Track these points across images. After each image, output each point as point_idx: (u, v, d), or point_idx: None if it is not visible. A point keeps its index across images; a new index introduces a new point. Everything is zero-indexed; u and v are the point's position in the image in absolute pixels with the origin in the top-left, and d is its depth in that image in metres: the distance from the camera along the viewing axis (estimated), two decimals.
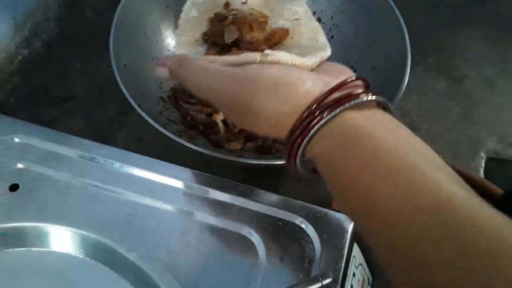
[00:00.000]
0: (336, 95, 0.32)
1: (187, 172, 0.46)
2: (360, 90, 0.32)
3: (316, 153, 0.32)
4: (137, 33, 0.59)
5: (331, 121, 0.31)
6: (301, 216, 0.43)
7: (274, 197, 0.44)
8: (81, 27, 0.67)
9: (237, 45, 0.39)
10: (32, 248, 0.40)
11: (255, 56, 0.35)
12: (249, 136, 0.58)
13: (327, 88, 0.32)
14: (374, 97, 0.32)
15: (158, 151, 0.52)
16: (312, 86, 0.32)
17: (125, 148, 0.50)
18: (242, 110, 0.34)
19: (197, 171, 0.46)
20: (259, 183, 0.53)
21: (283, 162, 0.51)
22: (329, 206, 0.47)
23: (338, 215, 0.43)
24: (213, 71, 0.35)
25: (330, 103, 0.31)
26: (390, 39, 0.57)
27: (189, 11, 0.42)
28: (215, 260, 0.41)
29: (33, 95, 0.61)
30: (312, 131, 0.31)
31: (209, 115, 0.58)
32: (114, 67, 0.51)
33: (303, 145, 0.32)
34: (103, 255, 0.39)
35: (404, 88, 0.51)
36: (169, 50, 0.63)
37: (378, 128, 0.31)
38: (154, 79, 0.60)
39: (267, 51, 0.35)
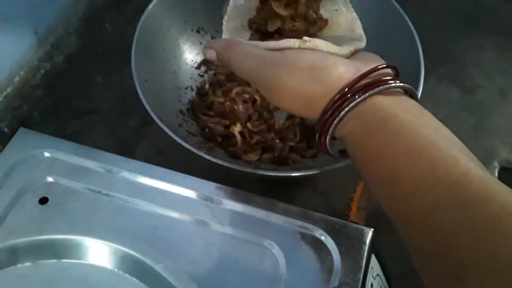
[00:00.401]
0: (366, 80, 0.35)
1: (209, 185, 0.47)
2: (389, 77, 0.36)
3: (345, 132, 0.36)
4: (156, 48, 0.61)
5: (360, 103, 0.35)
6: (320, 228, 0.44)
7: (293, 209, 0.46)
8: (101, 41, 0.69)
9: (279, 33, 0.42)
10: (62, 260, 0.41)
11: (295, 42, 0.37)
12: (265, 148, 0.60)
13: (359, 74, 0.35)
14: (401, 84, 0.35)
15: (178, 163, 0.53)
16: (345, 71, 0.35)
17: (146, 159, 0.51)
18: (279, 90, 0.37)
19: (219, 185, 0.47)
20: (276, 193, 0.55)
21: (299, 174, 0.53)
22: (346, 218, 0.48)
23: (356, 226, 0.44)
24: (255, 54, 0.38)
25: (360, 87, 0.35)
26: (403, 50, 0.58)
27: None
28: (238, 271, 0.43)
29: (56, 108, 0.63)
30: (343, 112, 0.35)
31: (227, 127, 0.60)
32: (136, 82, 0.53)
33: (333, 124, 0.36)
34: (131, 266, 0.40)
35: (418, 98, 0.52)
36: (187, 64, 0.64)
37: (403, 111, 0.34)
38: (174, 91, 0.62)
39: (305, 38, 0.37)
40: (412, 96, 0.37)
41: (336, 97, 0.35)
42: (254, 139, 0.60)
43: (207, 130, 0.60)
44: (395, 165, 0.33)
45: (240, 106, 0.60)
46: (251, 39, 0.42)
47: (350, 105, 0.35)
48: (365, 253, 0.43)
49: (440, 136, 0.33)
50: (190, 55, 0.65)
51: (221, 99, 0.61)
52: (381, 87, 0.35)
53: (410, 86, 0.36)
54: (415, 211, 0.31)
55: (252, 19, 0.44)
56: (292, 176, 0.54)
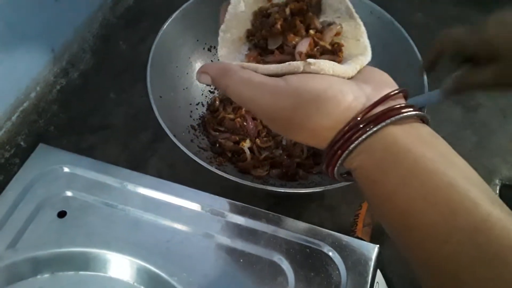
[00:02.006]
0: (378, 109, 0.32)
1: (220, 201, 0.49)
2: (401, 104, 0.33)
3: (355, 166, 0.33)
4: (170, 65, 0.63)
5: (371, 135, 0.32)
6: (328, 244, 0.46)
7: (302, 225, 0.47)
8: (115, 59, 0.71)
9: (280, 48, 0.38)
10: (80, 272, 0.43)
11: (298, 65, 0.34)
12: (274, 163, 0.61)
13: (369, 103, 0.33)
14: (414, 113, 0.33)
15: (188, 177, 0.55)
16: (354, 100, 0.33)
17: (157, 173, 0.53)
18: (284, 122, 0.35)
19: (230, 200, 0.49)
20: (283, 207, 0.56)
21: (307, 191, 0.54)
22: (352, 234, 0.50)
23: (362, 243, 0.46)
24: (255, 83, 0.35)
25: (371, 118, 0.32)
26: (407, 70, 0.60)
27: (237, 5, 0.40)
28: (248, 285, 0.44)
29: (71, 123, 0.65)
30: (353, 145, 0.32)
31: (237, 142, 0.62)
32: (152, 99, 0.55)
33: (342, 157, 0.33)
34: (146, 279, 0.42)
35: (430, 123, 0.54)
36: None
37: (417, 143, 0.32)
38: (186, 107, 0.64)
39: (309, 60, 0.34)
40: (424, 120, 0.34)
41: (345, 129, 0.33)
42: (263, 155, 0.61)
43: (217, 145, 0.62)
44: (410, 207, 0.31)
45: (250, 123, 0.62)
46: (248, 55, 0.39)
47: (360, 138, 0.32)
48: (371, 268, 0.44)
49: (456, 173, 0.30)
50: None
51: (232, 116, 0.63)
52: (393, 118, 0.32)
53: (423, 113, 0.34)
54: (433, 259, 0.30)
55: (251, 30, 0.40)
56: (300, 193, 0.55)
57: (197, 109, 0.65)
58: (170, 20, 0.61)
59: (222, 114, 0.64)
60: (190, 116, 0.64)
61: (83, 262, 0.43)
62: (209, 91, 0.67)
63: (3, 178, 0.57)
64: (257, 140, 0.62)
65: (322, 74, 0.34)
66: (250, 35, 0.40)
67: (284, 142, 0.63)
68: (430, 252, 0.30)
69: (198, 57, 0.67)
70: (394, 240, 0.33)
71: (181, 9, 0.62)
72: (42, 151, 0.51)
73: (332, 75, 0.35)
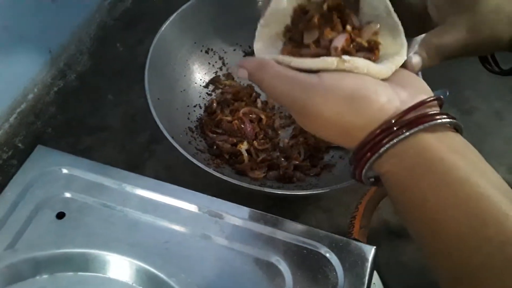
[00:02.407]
0: (411, 114, 0.32)
1: (218, 202, 0.49)
2: (435, 111, 0.32)
3: (385, 170, 0.33)
4: (167, 67, 0.63)
5: (403, 140, 0.32)
6: (325, 245, 0.46)
7: (299, 227, 0.48)
8: (112, 61, 0.72)
9: (317, 41, 0.38)
10: (79, 273, 0.43)
11: (333, 61, 0.34)
12: (271, 165, 0.62)
13: (404, 107, 0.32)
14: (449, 120, 0.32)
15: (186, 179, 0.56)
16: (387, 102, 0.33)
17: (155, 175, 0.53)
18: (314, 118, 0.34)
19: (228, 202, 0.49)
20: (280, 209, 0.57)
21: (304, 193, 0.55)
22: (349, 235, 0.50)
23: (359, 244, 0.46)
24: (288, 77, 0.35)
25: (404, 122, 0.32)
26: None
27: (279, 0, 0.39)
28: (246, 286, 0.45)
29: (69, 125, 0.65)
30: (383, 148, 0.32)
31: (234, 144, 0.62)
32: (149, 101, 0.55)
33: (372, 160, 0.33)
34: (145, 279, 0.42)
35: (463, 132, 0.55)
36: (196, 83, 0.67)
37: (450, 152, 0.31)
38: (183, 109, 0.64)
39: (344, 57, 0.34)
40: (457, 129, 0.34)
41: (377, 131, 0.32)
42: (260, 157, 0.62)
43: (215, 147, 0.62)
44: (440, 216, 0.31)
45: (248, 125, 0.62)
46: (283, 49, 0.39)
47: (392, 142, 0.32)
48: (368, 270, 0.45)
49: (488, 183, 0.30)
50: (199, 75, 0.67)
51: (229, 118, 0.63)
52: (426, 124, 0.31)
53: (457, 121, 0.33)
54: (461, 268, 0.30)
55: (289, 26, 0.40)
56: (297, 194, 0.56)
57: (194, 111, 0.65)
58: (167, 22, 0.61)
59: (219, 116, 0.64)
60: (188, 118, 0.64)
61: (82, 263, 0.43)
62: (207, 93, 0.67)
63: (1, 180, 0.57)
64: (255, 142, 0.63)
65: (356, 72, 0.34)
66: (288, 31, 0.40)
67: (281, 145, 0.64)
68: (459, 262, 0.30)
69: (195, 59, 0.67)
70: (420, 246, 0.33)
71: (178, 11, 0.62)
72: (40, 152, 0.51)
73: (366, 74, 0.34)
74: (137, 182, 0.50)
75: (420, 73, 0.59)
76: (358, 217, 0.50)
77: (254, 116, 0.65)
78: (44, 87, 0.67)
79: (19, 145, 0.62)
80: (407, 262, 0.55)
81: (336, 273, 0.45)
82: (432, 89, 0.53)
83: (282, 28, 0.40)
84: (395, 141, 0.32)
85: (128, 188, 0.50)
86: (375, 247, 0.46)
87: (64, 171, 0.50)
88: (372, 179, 0.36)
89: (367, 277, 0.44)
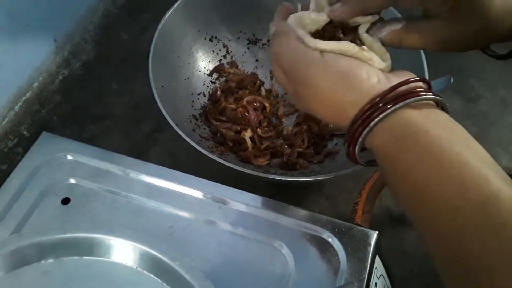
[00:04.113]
0: (398, 91, 0.35)
1: (222, 188, 0.50)
2: (420, 89, 0.35)
3: (376, 144, 0.36)
4: (171, 55, 0.63)
5: (392, 115, 0.34)
6: (327, 230, 0.46)
7: (302, 212, 0.48)
8: (117, 49, 0.72)
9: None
10: (84, 257, 0.44)
11: (354, 47, 0.38)
12: (274, 153, 0.62)
13: (391, 85, 0.35)
14: (433, 96, 0.35)
15: (189, 166, 0.56)
16: (377, 82, 0.36)
17: (159, 163, 0.54)
18: (311, 90, 0.38)
19: (231, 188, 0.50)
20: (284, 196, 0.57)
21: (308, 179, 0.55)
22: (352, 221, 0.50)
23: (362, 229, 0.46)
24: (298, 49, 0.38)
25: (391, 98, 0.34)
26: (408, 61, 0.60)
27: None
28: (249, 270, 0.45)
29: (73, 113, 0.66)
30: (373, 122, 0.35)
31: (238, 132, 0.63)
32: (154, 89, 0.55)
33: (363, 134, 0.35)
34: (149, 263, 0.43)
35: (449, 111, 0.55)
36: (200, 71, 0.67)
37: (435, 126, 0.34)
38: (187, 97, 0.64)
39: (364, 47, 0.38)
40: (444, 108, 0.36)
41: (366, 107, 0.35)
42: (264, 144, 0.62)
43: (219, 135, 0.62)
44: (425, 182, 0.33)
45: (252, 113, 0.63)
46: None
47: (380, 116, 0.34)
48: (370, 254, 0.45)
49: (471, 153, 0.32)
50: (203, 63, 0.68)
51: (233, 106, 0.63)
52: (412, 99, 0.34)
53: (441, 98, 0.36)
54: (444, 231, 0.31)
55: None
56: (301, 181, 0.56)
57: (198, 99, 0.66)
58: (171, 10, 0.61)
59: (223, 104, 0.64)
60: (192, 106, 0.65)
61: (87, 248, 0.44)
62: (211, 81, 0.68)
63: (7, 167, 0.57)
64: (258, 130, 0.63)
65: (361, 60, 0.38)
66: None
67: (285, 132, 0.64)
68: (442, 224, 0.32)
69: (199, 47, 0.67)
70: (409, 215, 0.35)
71: None
72: (45, 139, 0.52)
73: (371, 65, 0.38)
74: (142, 168, 0.50)
75: (424, 61, 0.59)
76: (361, 203, 0.50)
77: (258, 104, 0.65)
78: (49, 75, 0.67)
79: (25, 133, 0.63)
80: (409, 248, 0.56)
81: (338, 257, 0.45)
82: (437, 77, 0.53)
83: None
84: (383, 114, 0.34)
85: (133, 174, 0.50)
86: (377, 232, 0.46)
87: (69, 157, 0.50)
88: (367, 161, 0.39)
89: (369, 262, 0.44)
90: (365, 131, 0.35)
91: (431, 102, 0.36)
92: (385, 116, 0.34)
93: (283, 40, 0.40)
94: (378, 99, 0.35)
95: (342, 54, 0.38)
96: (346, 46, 0.38)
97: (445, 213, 0.31)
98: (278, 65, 0.40)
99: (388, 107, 0.34)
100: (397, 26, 0.40)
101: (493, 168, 0.32)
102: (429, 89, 0.37)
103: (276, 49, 0.40)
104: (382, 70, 0.38)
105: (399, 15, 0.58)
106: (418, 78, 0.36)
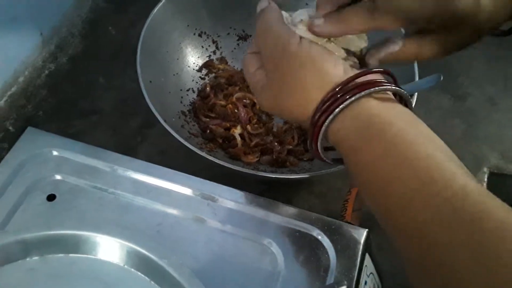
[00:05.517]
0: (358, 81, 0.35)
1: (211, 185, 0.49)
2: (382, 79, 0.36)
3: (340, 136, 0.35)
4: (160, 51, 0.63)
5: (355, 106, 0.34)
6: (317, 228, 0.46)
7: (292, 210, 0.48)
8: (104, 43, 0.71)
9: None
10: (70, 254, 0.43)
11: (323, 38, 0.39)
12: (264, 150, 0.62)
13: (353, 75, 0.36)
14: (395, 87, 0.36)
15: (178, 162, 0.55)
16: (343, 71, 0.36)
17: (147, 159, 0.53)
18: (284, 73, 0.37)
19: (220, 185, 0.49)
20: (273, 194, 0.56)
21: (297, 176, 0.55)
22: (341, 218, 0.50)
23: (352, 227, 0.46)
24: (281, 28, 0.38)
25: (353, 87, 0.35)
26: None
27: None
28: (238, 268, 0.45)
29: (60, 108, 0.65)
30: (337, 110, 0.35)
31: (228, 129, 0.62)
32: (142, 84, 0.54)
33: (326, 123, 0.35)
34: (136, 261, 0.42)
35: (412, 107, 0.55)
36: (189, 66, 0.66)
37: (399, 119, 0.34)
38: (176, 93, 0.63)
39: (332, 39, 0.39)
40: (407, 105, 0.37)
41: (328, 95, 0.35)
42: (254, 141, 0.62)
43: (208, 131, 0.62)
44: (391, 175, 0.32)
45: (241, 110, 0.62)
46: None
47: (341, 106, 0.34)
48: (360, 252, 0.45)
49: (436, 147, 0.32)
50: (192, 58, 0.67)
51: (223, 102, 0.63)
52: (372, 89, 0.34)
53: (404, 91, 0.36)
54: (411, 224, 0.31)
55: None
56: (290, 178, 0.56)
57: (187, 95, 0.65)
58: (160, 4, 0.61)
59: (213, 101, 0.64)
60: (181, 102, 0.64)
61: (73, 245, 0.43)
62: (200, 77, 0.67)
63: None
64: (248, 127, 0.62)
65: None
66: None
67: (275, 129, 0.63)
68: (409, 217, 0.31)
69: (188, 42, 0.66)
70: (373, 209, 0.35)
71: None
72: (30, 134, 0.51)
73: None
74: (129, 164, 0.50)
75: (417, 78, 0.58)
76: (350, 201, 0.50)
77: (248, 100, 0.64)
78: (35, 70, 0.66)
79: (10, 128, 0.62)
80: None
81: (328, 255, 0.45)
82: (427, 74, 0.53)
83: None
84: (345, 104, 0.34)
85: (120, 170, 0.49)
86: (367, 229, 0.46)
87: (55, 153, 0.50)
88: (332, 159, 0.39)
89: (358, 260, 0.44)
90: (327, 120, 0.35)
91: (393, 97, 0.36)
92: (347, 106, 0.34)
93: (269, 16, 0.39)
94: (338, 88, 0.35)
95: (314, 42, 0.38)
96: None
97: (412, 206, 0.31)
98: (259, 41, 0.40)
99: (348, 96, 0.34)
100: (395, 47, 0.39)
101: (457, 163, 0.32)
102: (394, 82, 0.37)
103: (261, 25, 0.40)
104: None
105: None
106: (382, 69, 0.37)
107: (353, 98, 0.34)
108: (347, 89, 0.35)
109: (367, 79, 0.35)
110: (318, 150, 0.37)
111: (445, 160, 0.31)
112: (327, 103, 0.35)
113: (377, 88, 0.34)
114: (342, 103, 0.34)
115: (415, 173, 0.31)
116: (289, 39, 0.37)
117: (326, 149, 0.39)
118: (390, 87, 0.35)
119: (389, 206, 0.33)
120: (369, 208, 0.37)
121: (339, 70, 0.36)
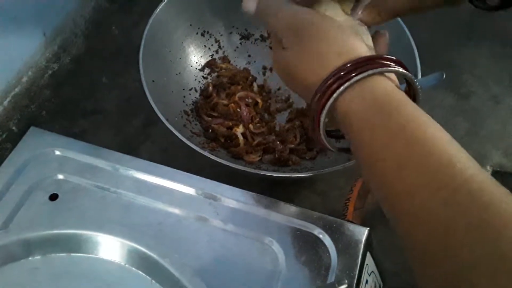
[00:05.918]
0: (383, 57, 0.35)
1: (212, 184, 0.49)
2: (391, 62, 0.36)
3: (353, 109, 0.35)
4: (162, 50, 0.63)
5: (375, 80, 0.34)
6: (318, 227, 0.46)
7: (293, 209, 0.48)
8: (107, 43, 0.71)
9: None
10: (72, 254, 0.43)
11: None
12: (266, 149, 0.62)
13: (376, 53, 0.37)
14: (405, 71, 0.36)
15: (181, 161, 0.55)
16: (362, 47, 0.37)
17: (150, 158, 0.53)
18: (304, 36, 0.38)
19: (222, 184, 0.49)
20: (275, 193, 0.56)
21: (299, 175, 0.55)
22: (343, 217, 0.50)
23: (353, 226, 0.46)
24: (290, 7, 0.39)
25: (376, 61, 0.35)
26: (400, 56, 0.60)
27: None
28: (240, 267, 0.45)
29: (63, 108, 0.65)
30: (359, 76, 0.34)
31: (230, 128, 0.62)
32: (144, 83, 0.55)
33: (339, 91, 0.34)
34: (138, 260, 0.42)
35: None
36: (191, 66, 0.66)
37: (410, 102, 0.34)
38: (178, 92, 0.63)
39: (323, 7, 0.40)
40: (415, 98, 0.38)
41: (348, 63, 0.35)
42: (256, 140, 0.62)
43: (210, 130, 0.62)
44: (409, 151, 0.32)
45: (244, 109, 0.62)
46: None
47: (364, 74, 0.34)
48: (361, 251, 0.45)
49: (446, 133, 0.33)
50: (195, 57, 0.67)
51: (225, 101, 0.63)
52: (400, 68, 0.35)
53: (417, 82, 0.37)
54: (423, 207, 0.30)
55: None
56: (292, 177, 0.56)
57: (190, 94, 0.65)
58: (162, 4, 0.61)
59: (215, 100, 0.64)
60: (183, 101, 0.64)
61: (75, 244, 0.43)
62: (202, 76, 0.67)
63: None
64: (250, 126, 0.62)
65: None
66: None
67: (277, 128, 0.63)
68: (422, 199, 0.31)
69: (191, 41, 0.66)
70: (381, 191, 0.34)
71: None
72: (33, 134, 0.51)
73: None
74: (131, 164, 0.50)
75: (417, 57, 0.58)
76: (352, 199, 0.50)
77: (250, 100, 0.64)
78: (39, 70, 0.66)
79: (13, 128, 0.62)
80: (400, 244, 0.55)
81: (329, 254, 0.45)
82: (430, 72, 0.53)
83: None
84: (365, 74, 0.34)
85: (122, 170, 0.50)
86: (368, 228, 0.46)
87: (57, 152, 0.50)
88: (337, 148, 0.39)
89: (360, 259, 0.44)
90: (342, 87, 0.34)
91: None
92: (367, 77, 0.34)
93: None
94: (363, 59, 0.35)
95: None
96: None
97: (427, 187, 0.30)
98: (263, 16, 0.41)
99: (368, 68, 0.34)
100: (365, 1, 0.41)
101: (467, 152, 0.32)
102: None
103: (267, 9, 0.41)
104: None
105: None
106: (394, 57, 0.37)
107: (376, 71, 0.34)
108: (373, 62, 0.35)
109: (393, 57, 0.36)
110: (319, 123, 0.37)
111: (459, 145, 0.32)
112: (345, 71, 0.34)
113: (401, 69, 0.35)
114: (362, 72, 0.34)
115: (432, 153, 0.31)
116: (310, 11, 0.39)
117: (329, 136, 0.39)
118: (408, 73, 0.36)
119: (400, 188, 0.32)
120: (370, 207, 0.37)
121: (362, 45, 0.37)
